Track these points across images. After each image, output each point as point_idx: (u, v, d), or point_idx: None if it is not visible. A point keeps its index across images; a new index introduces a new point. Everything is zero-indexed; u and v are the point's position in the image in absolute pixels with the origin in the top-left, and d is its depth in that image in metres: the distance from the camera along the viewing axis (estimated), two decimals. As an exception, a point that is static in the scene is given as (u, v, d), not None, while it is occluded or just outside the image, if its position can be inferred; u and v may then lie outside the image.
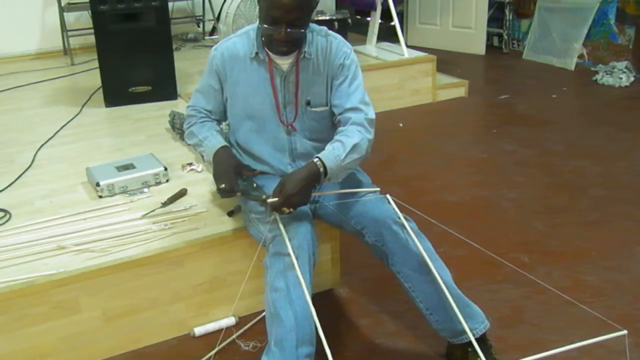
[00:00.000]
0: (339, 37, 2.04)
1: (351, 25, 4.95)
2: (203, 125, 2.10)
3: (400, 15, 5.99)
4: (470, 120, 4.48)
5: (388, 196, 1.96)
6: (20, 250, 2.03)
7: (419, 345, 2.07)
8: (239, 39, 2.02)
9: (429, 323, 1.92)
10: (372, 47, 4.89)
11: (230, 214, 2.21)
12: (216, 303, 2.14)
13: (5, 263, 1.96)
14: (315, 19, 4.46)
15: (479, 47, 5.93)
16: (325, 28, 2.03)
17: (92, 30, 3.50)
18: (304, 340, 1.72)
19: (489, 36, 6.06)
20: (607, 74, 4.98)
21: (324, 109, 2.03)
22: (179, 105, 3.45)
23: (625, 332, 1.60)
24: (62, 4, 4.77)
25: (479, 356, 1.62)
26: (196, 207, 2.28)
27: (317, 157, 1.84)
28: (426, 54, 4.71)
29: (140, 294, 2.02)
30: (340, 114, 1.98)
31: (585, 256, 2.56)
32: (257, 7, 2.02)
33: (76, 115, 3.43)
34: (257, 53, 1.97)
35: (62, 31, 4.84)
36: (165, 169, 2.50)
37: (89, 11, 3.51)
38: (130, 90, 3.56)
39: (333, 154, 1.84)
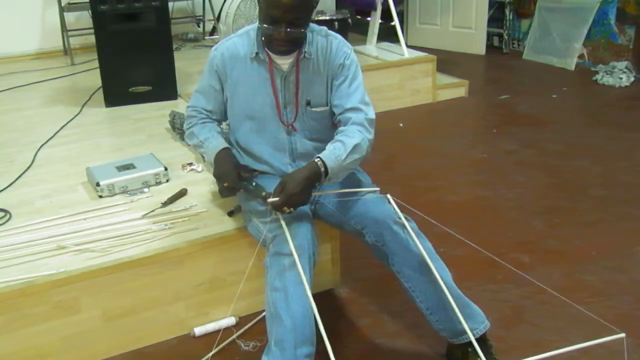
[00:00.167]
0: (339, 37, 2.04)
1: (351, 25, 4.95)
2: (204, 126, 2.10)
3: (401, 15, 5.98)
4: (470, 120, 4.48)
5: (388, 196, 1.96)
6: (20, 250, 2.03)
7: (419, 345, 2.07)
8: (239, 39, 2.02)
9: (429, 323, 1.92)
10: (372, 47, 4.89)
11: (231, 214, 2.21)
12: (216, 303, 2.14)
13: (5, 263, 1.96)
14: (315, 19, 4.46)
15: (479, 47, 5.93)
16: (325, 28, 2.03)
17: (92, 30, 3.51)
18: (304, 340, 1.72)
19: (489, 36, 6.06)
20: (607, 74, 4.98)
21: (324, 109, 2.03)
22: (179, 105, 3.45)
23: (623, 335, 1.60)
24: (62, 4, 4.77)
25: (479, 356, 1.62)
26: (196, 207, 2.28)
27: (318, 157, 1.84)
28: (426, 54, 4.71)
29: (140, 294, 2.02)
30: (340, 114, 1.98)
31: (585, 256, 2.56)
32: (257, 7, 2.02)
33: (76, 115, 3.43)
34: (257, 53, 1.97)
35: (62, 31, 4.84)
36: (166, 169, 2.50)
37: (89, 11, 3.51)
38: (130, 90, 3.56)
39: (334, 154, 1.84)
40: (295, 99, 2.01)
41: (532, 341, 2.05)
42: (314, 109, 2.02)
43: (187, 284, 2.09)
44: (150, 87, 3.58)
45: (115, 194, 2.38)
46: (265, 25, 1.85)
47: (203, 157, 2.13)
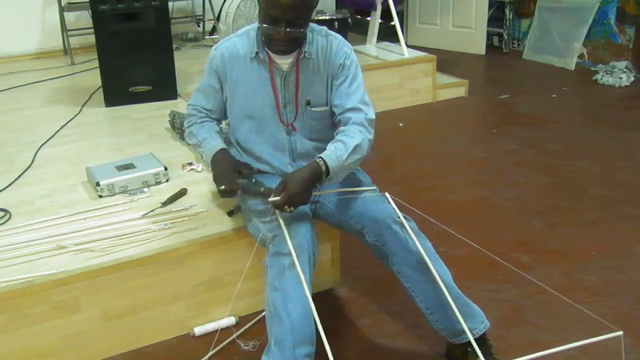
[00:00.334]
0: (340, 37, 2.04)
1: (351, 25, 4.94)
2: (203, 125, 2.11)
3: (401, 15, 5.98)
4: (470, 120, 4.48)
5: (387, 194, 1.96)
6: (20, 250, 2.03)
7: (419, 345, 2.07)
8: (239, 39, 2.02)
9: (429, 323, 1.92)
10: (373, 47, 4.89)
11: (231, 214, 2.21)
12: (216, 303, 2.14)
13: (5, 263, 1.96)
14: (316, 19, 4.46)
15: (479, 47, 5.93)
16: (325, 28, 2.03)
17: (93, 30, 3.51)
18: (304, 340, 1.72)
19: (489, 36, 6.06)
20: (607, 74, 4.98)
21: (324, 109, 2.03)
22: (179, 105, 3.45)
23: (621, 333, 1.60)
24: (63, 4, 4.77)
25: (479, 356, 1.62)
26: (196, 207, 2.28)
27: (320, 157, 1.84)
28: (426, 54, 4.71)
29: (140, 294, 2.02)
30: (340, 114, 1.98)
31: (585, 256, 2.56)
32: (257, 7, 2.02)
33: (76, 115, 3.43)
34: (257, 53, 1.97)
35: (63, 31, 4.84)
36: (166, 169, 2.50)
37: (89, 11, 3.51)
38: (130, 90, 3.56)
39: (335, 154, 1.85)
40: (295, 99, 2.01)
41: (532, 341, 2.05)
42: (314, 109, 2.02)
43: (187, 284, 2.09)
44: (150, 87, 3.58)
45: (116, 194, 2.38)
46: (265, 25, 1.85)
47: (202, 157, 2.14)
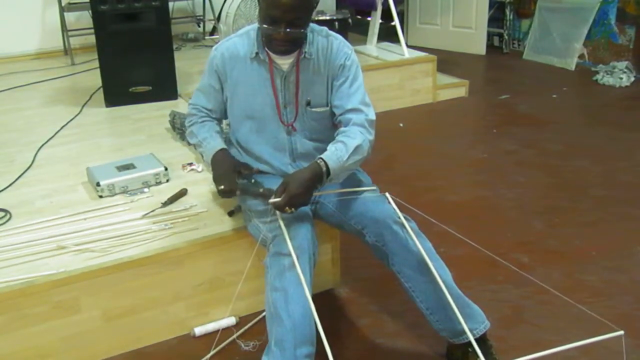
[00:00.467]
0: (340, 37, 2.03)
1: (351, 25, 4.94)
2: (203, 125, 2.11)
3: (401, 15, 5.98)
4: (471, 120, 4.48)
5: (387, 194, 1.96)
6: (20, 250, 2.03)
7: (419, 345, 2.07)
8: (239, 39, 2.02)
9: (429, 323, 1.92)
10: (373, 47, 4.89)
11: (231, 213, 2.21)
12: (216, 303, 2.14)
13: (5, 263, 1.96)
14: (316, 19, 4.46)
15: (479, 47, 5.93)
16: (325, 28, 2.03)
17: (93, 30, 3.51)
18: (304, 340, 1.72)
19: (490, 36, 6.05)
20: (607, 74, 4.98)
21: (324, 110, 2.03)
22: (179, 105, 3.45)
23: (622, 332, 1.60)
24: (63, 4, 4.77)
25: (479, 356, 1.62)
26: (196, 207, 2.28)
27: (320, 157, 1.84)
28: (426, 54, 4.71)
29: (140, 294, 2.02)
30: (340, 114, 1.98)
31: (585, 256, 2.56)
32: (257, 7, 2.02)
33: (76, 115, 3.43)
34: (257, 53, 1.97)
35: (63, 31, 4.84)
36: (166, 169, 2.50)
37: (90, 11, 3.51)
38: (130, 90, 3.55)
39: (336, 155, 1.84)
40: (295, 99, 2.01)
41: (532, 341, 2.05)
42: (314, 109, 2.02)
43: (187, 284, 2.09)
44: (150, 87, 3.58)
45: (116, 194, 2.38)
46: (265, 25, 1.84)
47: (202, 156, 2.14)
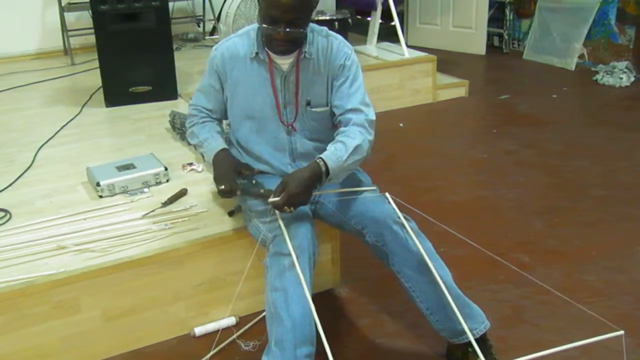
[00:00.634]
0: (340, 37, 2.03)
1: (351, 25, 4.94)
2: (204, 125, 2.11)
3: (401, 15, 5.98)
4: (470, 120, 4.48)
5: (387, 194, 1.96)
6: (20, 250, 2.03)
7: (419, 345, 2.07)
8: (239, 39, 2.02)
9: (429, 323, 1.92)
10: (373, 47, 4.89)
11: (231, 213, 2.21)
12: (216, 303, 2.14)
13: (5, 263, 1.96)
14: (316, 19, 4.46)
15: (479, 47, 5.93)
16: (325, 28, 2.03)
17: (93, 30, 3.51)
18: (304, 340, 1.72)
19: (489, 36, 6.05)
20: (607, 74, 4.98)
21: (324, 110, 2.03)
22: (179, 105, 3.45)
23: (622, 332, 1.60)
24: (63, 4, 4.77)
25: (479, 356, 1.62)
26: (196, 207, 2.28)
27: (320, 157, 1.84)
28: (426, 54, 4.71)
29: (140, 294, 2.02)
30: (340, 114, 1.98)
31: (585, 256, 2.56)
32: (257, 7, 2.02)
33: (76, 115, 3.43)
34: (257, 53, 1.97)
35: (63, 31, 4.84)
36: (166, 169, 2.50)
37: (89, 11, 3.51)
38: (130, 90, 3.55)
39: (335, 154, 1.84)
40: (295, 99, 2.01)
41: (532, 341, 2.05)
42: (314, 109, 2.02)
43: (187, 284, 2.09)
44: (150, 87, 3.58)
45: (116, 194, 2.38)
46: (264, 25, 1.85)
47: (203, 157, 2.14)
